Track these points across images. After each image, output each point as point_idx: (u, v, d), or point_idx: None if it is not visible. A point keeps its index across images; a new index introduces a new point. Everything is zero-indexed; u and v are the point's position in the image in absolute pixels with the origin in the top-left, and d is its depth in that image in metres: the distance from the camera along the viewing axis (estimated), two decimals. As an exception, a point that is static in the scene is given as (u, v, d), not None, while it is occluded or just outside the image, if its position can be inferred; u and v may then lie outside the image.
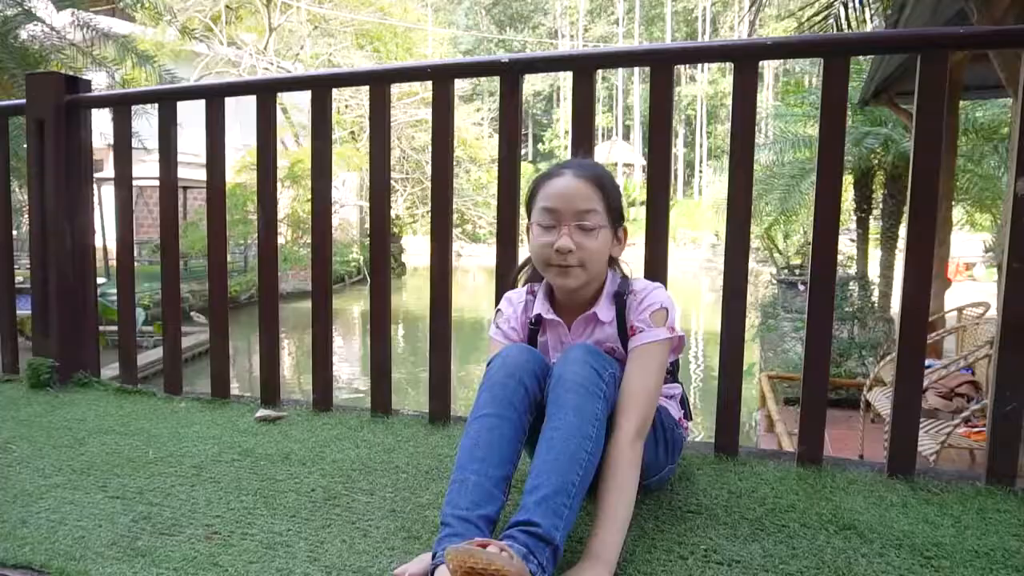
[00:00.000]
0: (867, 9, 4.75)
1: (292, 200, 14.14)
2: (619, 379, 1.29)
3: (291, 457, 1.70)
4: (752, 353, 8.29)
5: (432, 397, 1.98)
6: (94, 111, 2.42)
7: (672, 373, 1.49)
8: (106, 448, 1.77)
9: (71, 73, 2.44)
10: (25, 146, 2.40)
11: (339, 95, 17.46)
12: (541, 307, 1.44)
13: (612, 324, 1.39)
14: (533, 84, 40.02)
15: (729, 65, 1.72)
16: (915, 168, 1.57)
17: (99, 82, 7.55)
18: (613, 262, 1.44)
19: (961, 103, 5.93)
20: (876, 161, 8.29)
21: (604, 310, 1.40)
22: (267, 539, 1.28)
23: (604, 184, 1.36)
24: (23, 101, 2.36)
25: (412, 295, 15.69)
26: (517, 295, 1.51)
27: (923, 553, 1.24)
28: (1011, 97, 1.90)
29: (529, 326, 1.46)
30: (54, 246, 2.32)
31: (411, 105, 20.02)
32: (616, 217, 1.39)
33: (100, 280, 3.01)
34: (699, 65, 35.10)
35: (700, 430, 7.35)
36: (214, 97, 2.18)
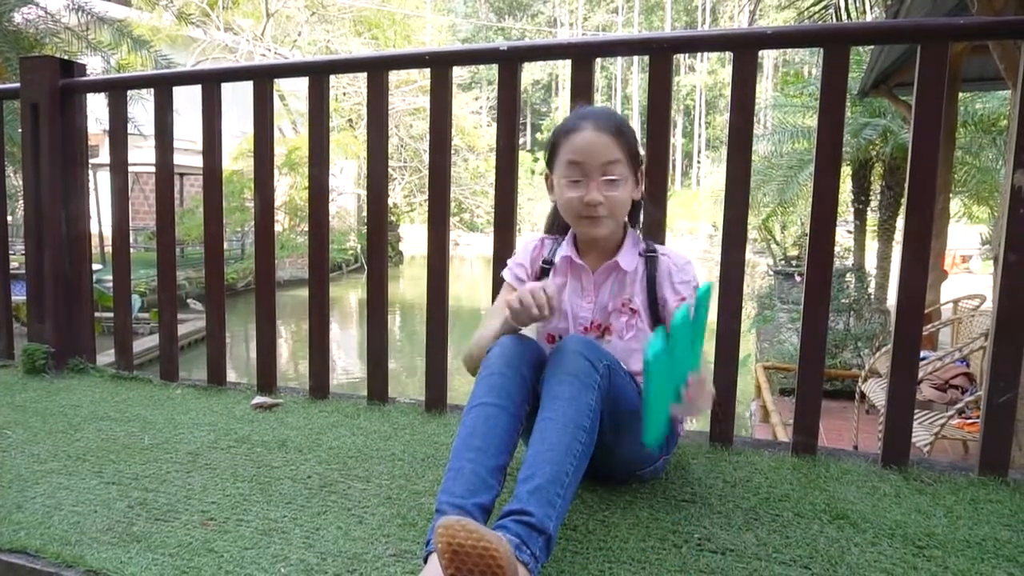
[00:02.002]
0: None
1: (289, 187, 14.08)
2: (615, 369, 1.29)
3: (287, 444, 1.70)
4: (749, 344, 8.31)
5: (428, 385, 1.99)
6: (90, 96, 2.41)
7: None
8: (102, 434, 1.77)
9: (66, 57, 2.42)
10: (20, 131, 2.38)
11: (337, 82, 17.37)
12: (569, 251, 1.48)
13: (636, 275, 1.44)
14: (532, 73, 39.84)
15: (728, 55, 1.71)
16: (913, 159, 1.56)
17: (94, 67, 7.49)
18: (631, 217, 1.52)
19: (960, 94, 5.92)
20: (874, 152, 8.28)
21: (625, 258, 1.45)
22: (263, 525, 1.29)
23: (624, 132, 1.39)
24: (17, 85, 2.34)
25: (409, 284, 15.68)
26: (532, 239, 1.57)
27: (915, 543, 1.25)
28: (1010, 89, 1.90)
29: (542, 266, 1.52)
30: (49, 232, 2.31)
31: (409, 93, 19.91)
32: (636, 162, 1.42)
33: (96, 266, 3.01)
34: (698, 55, 34.99)
35: (695, 420, 7.37)
36: (210, 83, 2.16)
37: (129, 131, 2.36)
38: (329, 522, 1.30)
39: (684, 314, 1.15)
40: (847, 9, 4.67)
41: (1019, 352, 1.54)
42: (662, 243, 1.77)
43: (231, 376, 2.29)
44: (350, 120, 19.81)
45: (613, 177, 1.37)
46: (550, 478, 1.11)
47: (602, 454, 1.27)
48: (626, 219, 1.49)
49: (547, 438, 1.15)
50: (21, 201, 2.35)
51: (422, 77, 17.96)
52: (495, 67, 1.89)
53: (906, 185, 1.59)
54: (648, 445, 1.19)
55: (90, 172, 2.40)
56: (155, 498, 1.40)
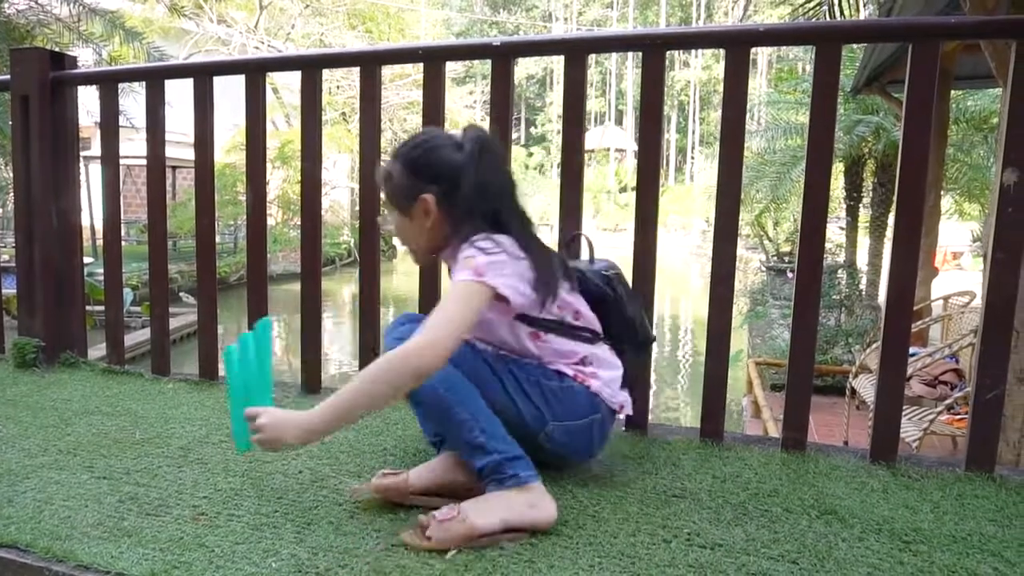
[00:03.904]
0: (861, -3, 4.75)
1: (283, 181, 14.03)
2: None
3: (279, 439, 1.70)
4: (741, 339, 8.35)
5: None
6: (82, 88, 2.39)
7: (591, 339, 1.45)
8: (93, 429, 1.77)
9: (57, 49, 2.41)
10: (11, 123, 2.36)
11: (330, 76, 17.29)
12: None
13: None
14: (526, 67, 39.76)
15: (722, 51, 1.71)
16: (904, 157, 1.57)
17: (86, 59, 7.43)
18: (459, 230, 1.34)
19: (952, 92, 5.94)
20: (867, 149, 8.31)
21: (451, 255, 1.36)
22: (254, 520, 1.29)
23: (387, 175, 1.40)
24: (7, 77, 2.33)
25: (403, 278, 15.66)
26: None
27: (902, 538, 1.26)
28: (1001, 87, 1.91)
29: None
30: (40, 224, 2.30)
31: (403, 87, 19.85)
32: (404, 197, 1.38)
33: (87, 260, 3.00)
34: (692, 51, 34.99)
35: (686, 416, 7.41)
36: (203, 76, 2.15)
37: (121, 124, 2.35)
38: (320, 517, 1.30)
39: (263, 327, 1.40)
40: (840, 7, 4.68)
41: (1006, 349, 1.55)
42: (653, 240, 1.77)
43: (223, 371, 2.29)
44: (343, 113, 19.73)
45: (388, 213, 1.45)
46: (453, 438, 1.33)
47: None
48: (452, 237, 1.36)
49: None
50: (12, 194, 2.33)
51: (416, 71, 17.89)
52: (489, 62, 1.89)
53: (896, 182, 1.60)
54: (239, 450, 1.32)
55: (82, 165, 2.39)
56: (146, 493, 1.40)
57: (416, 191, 1.36)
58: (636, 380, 1.81)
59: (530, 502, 1.24)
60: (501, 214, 1.35)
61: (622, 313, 1.52)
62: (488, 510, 1.22)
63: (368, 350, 2.04)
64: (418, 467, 1.37)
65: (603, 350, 1.46)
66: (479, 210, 1.33)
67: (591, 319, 1.46)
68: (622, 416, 1.49)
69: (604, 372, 1.43)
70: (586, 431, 1.40)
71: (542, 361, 1.40)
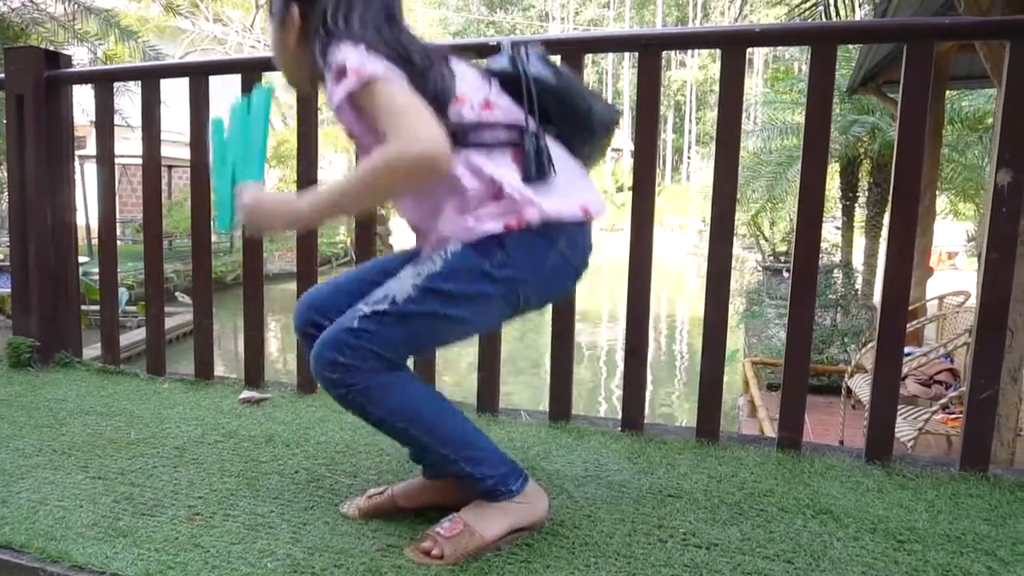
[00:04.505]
0: (856, -3, 4.76)
1: (279, 180, 14.01)
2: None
3: (275, 439, 1.70)
4: (737, 339, 8.36)
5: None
6: (77, 87, 2.38)
7: (517, 141, 1.16)
8: (88, 429, 1.77)
9: (52, 48, 2.40)
10: (5, 122, 2.36)
11: (223, 229, 17.21)
12: None
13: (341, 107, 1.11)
14: (523, 66, 39.64)
15: (718, 51, 1.72)
16: (899, 157, 1.58)
17: (81, 57, 7.41)
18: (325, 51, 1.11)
19: (948, 92, 5.96)
20: (862, 149, 8.33)
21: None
22: (249, 520, 1.29)
23: None
24: (1, 76, 2.32)
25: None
26: None
27: (896, 537, 1.27)
28: (996, 88, 1.91)
29: None
30: (34, 224, 2.29)
31: (399, 86, 19.80)
32: (275, 4, 1.18)
33: (83, 259, 2.99)
34: (689, 51, 35.02)
35: (683, 416, 7.42)
36: (198, 76, 2.15)
37: (116, 123, 2.34)
38: (316, 517, 1.30)
39: (260, 94, 1.22)
40: (836, 7, 4.69)
41: (1000, 349, 1.56)
42: (650, 240, 1.77)
43: (219, 370, 2.28)
44: (340, 113, 19.66)
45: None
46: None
47: None
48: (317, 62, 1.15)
49: None
50: (6, 193, 2.32)
51: (413, 70, 17.84)
52: (485, 61, 1.89)
53: (891, 182, 1.60)
54: (221, 227, 1.18)
55: (77, 163, 2.38)
56: (141, 493, 1.40)
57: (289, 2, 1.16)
58: (632, 380, 1.81)
59: (527, 502, 1.23)
60: (374, 30, 1.11)
61: (571, 100, 1.22)
62: (491, 518, 1.19)
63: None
64: (402, 485, 1.32)
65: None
66: (344, 25, 1.11)
67: (510, 109, 1.17)
68: (594, 216, 1.21)
69: (543, 187, 1.14)
70: (556, 268, 1.19)
71: (467, 234, 1.13)
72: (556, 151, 1.19)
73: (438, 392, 1.26)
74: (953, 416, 3.61)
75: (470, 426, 1.23)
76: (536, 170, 1.14)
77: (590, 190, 1.23)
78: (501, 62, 1.23)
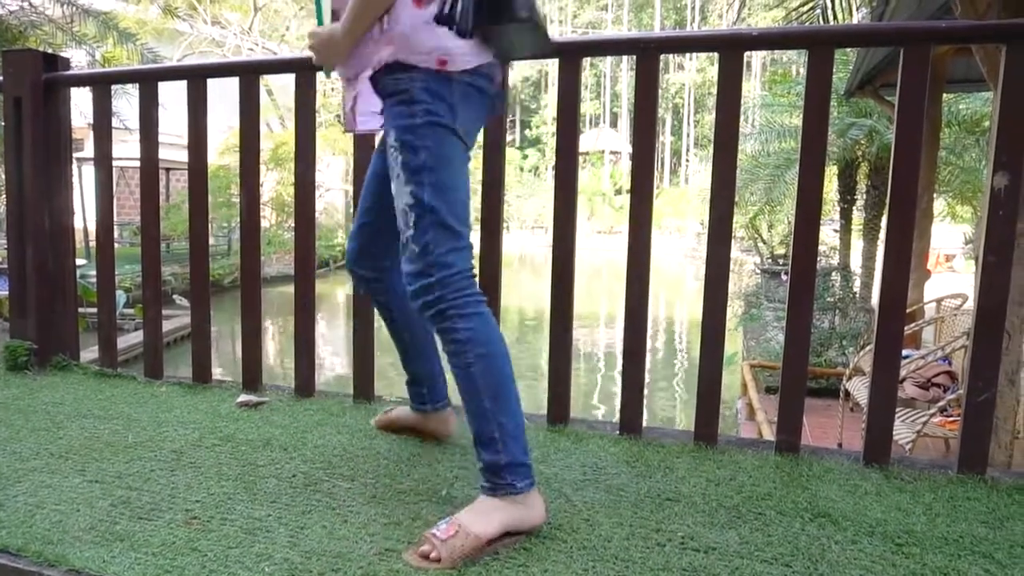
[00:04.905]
0: (853, 1, 4.77)
1: (277, 183, 14.00)
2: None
3: (272, 443, 1.70)
4: (736, 342, 8.37)
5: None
6: (75, 89, 2.38)
7: None
8: (85, 432, 1.76)
9: (50, 50, 2.40)
10: (3, 125, 2.35)
11: (325, 78, 17.23)
12: None
13: None
14: (521, 69, 39.78)
15: (716, 55, 1.72)
16: (896, 160, 1.58)
17: (79, 60, 7.41)
18: None
19: (944, 95, 5.97)
20: (860, 152, 8.34)
21: None
22: (247, 524, 1.28)
23: None
24: (-1, 79, 2.32)
25: (397, 280, 15.63)
26: None
27: (894, 540, 1.27)
28: (992, 91, 1.92)
29: None
30: (32, 226, 2.29)
31: (398, 88, 19.81)
32: None
33: (80, 261, 2.98)
34: (687, 54, 35.08)
35: (681, 419, 7.42)
36: (196, 79, 2.15)
37: (114, 125, 2.34)
38: (314, 521, 1.30)
39: None
40: (834, 10, 4.70)
41: (998, 352, 1.56)
42: (648, 243, 1.78)
43: (216, 373, 2.28)
44: (338, 116, 19.69)
45: None
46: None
47: None
48: None
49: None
50: (4, 195, 2.32)
51: (411, 73, 17.86)
52: None
53: (888, 186, 1.60)
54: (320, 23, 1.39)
55: (75, 166, 2.38)
56: (139, 497, 1.39)
57: None
58: (630, 383, 1.81)
59: (525, 504, 1.24)
60: None
61: None
62: (486, 517, 1.21)
63: (362, 352, 2.04)
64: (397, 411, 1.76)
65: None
66: None
67: None
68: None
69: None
70: (478, 97, 1.31)
71: (407, 82, 1.25)
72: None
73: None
74: (951, 419, 3.61)
75: (519, 405, 1.29)
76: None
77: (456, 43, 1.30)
78: None
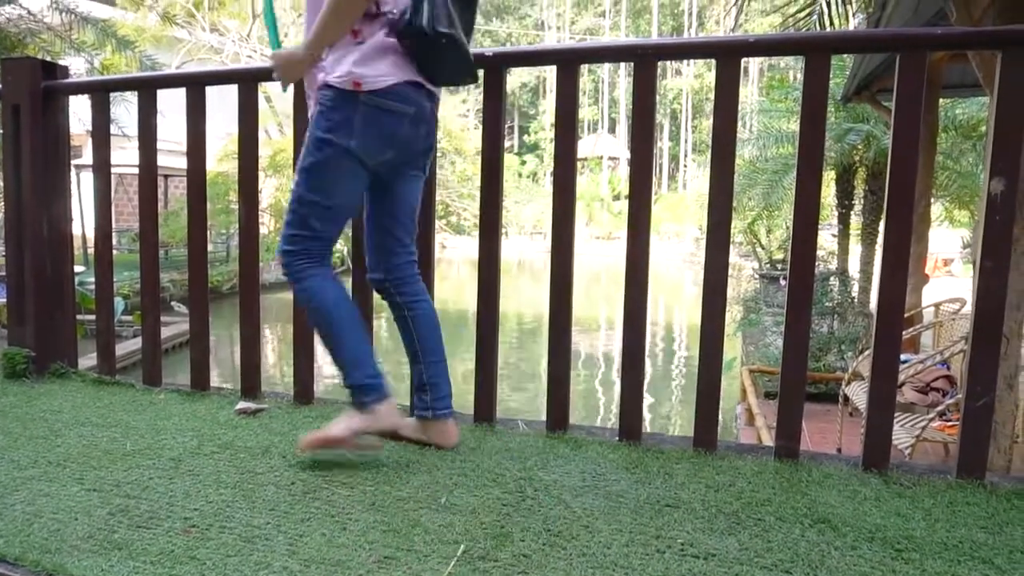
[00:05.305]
0: (850, 7, 4.79)
1: (275, 190, 14.01)
2: None
3: (271, 450, 1.69)
4: (735, 347, 8.37)
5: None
6: (73, 95, 2.38)
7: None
8: (83, 440, 1.76)
9: (48, 58, 2.40)
10: (1, 132, 2.36)
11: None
12: None
13: None
14: (519, 75, 39.89)
15: (713, 60, 1.73)
16: (893, 166, 1.59)
17: (78, 67, 7.42)
18: None
19: (941, 100, 5.99)
20: (858, 157, 8.35)
21: None
22: (246, 532, 1.28)
23: None
24: (-2, 87, 2.32)
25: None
26: None
27: (894, 546, 1.27)
28: (988, 96, 1.92)
29: None
30: (30, 234, 2.29)
31: (396, 95, 19.82)
32: None
33: (79, 268, 2.98)
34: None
35: (679, 425, 7.41)
36: (195, 86, 2.15)
37: (113, 132, 2.34)
38: (313, 529, 1.30)
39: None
40: (830, 17, 4.72)
41: (996, 356, 1.56)
42: (646, 248, 1.78)
43: (215, 380, 2.28)
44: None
45: None
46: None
47: None
48: None
49: None
50: (1, 202, 2.32)
51: (409, 79, 17.87)
52: (481, 71, 1.89)
53: (886, 191, 1.61)
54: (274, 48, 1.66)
55: (73, 173, 2.38)
56: (137, 505, 1.39)
57: None
58: (630, 389, 1.81)
59: (373, 415, 1.59)
60: None
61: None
62: (341, 423, 1.59)
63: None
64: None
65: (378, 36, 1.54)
66: None
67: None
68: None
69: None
70: (388, 117, 1.56)
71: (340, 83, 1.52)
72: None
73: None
74: (950, 423, 3.61)
75: (360, 342, 1.64)
76: None
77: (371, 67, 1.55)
78: None
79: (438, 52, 1.53)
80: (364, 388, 1.60)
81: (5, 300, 2.39)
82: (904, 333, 1.70)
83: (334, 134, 1.53)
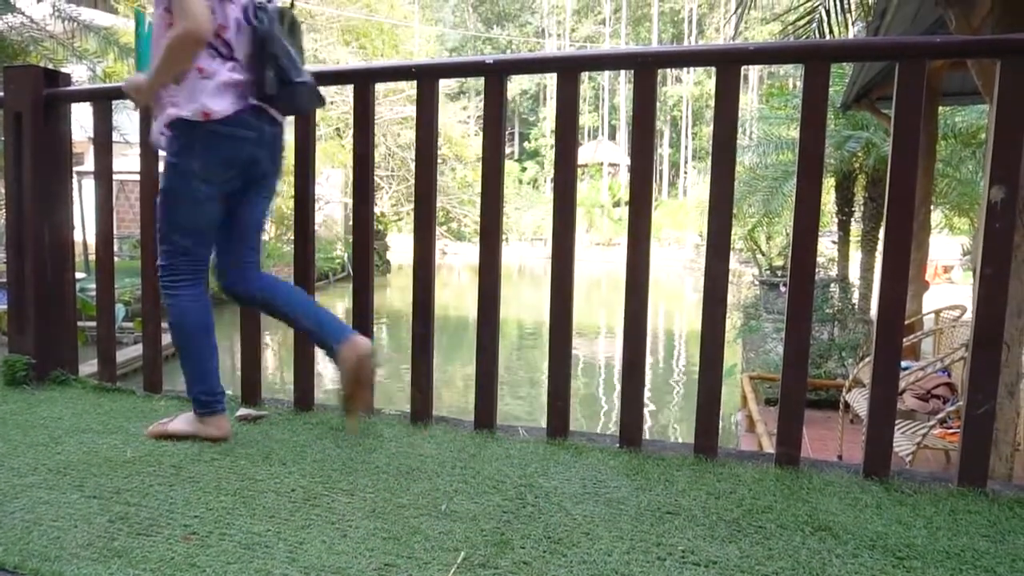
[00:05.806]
0: (849, 15, 4.80)
1: (276, 196, 14.02)
2: None
3: (271, 457, 1.69)
4: (735, 354, 8.36)
5: (414, 397, 1.98)
6: (76, 103, 2.39)
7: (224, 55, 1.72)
8: (83, 447, 1.76)
9: (50, 66, 2.41)
10: (3, 139, 2.36)
11: (324, 91, 17.32)
12: None
13: None
14: (520, 82, 40.01)
15: (713, 68, 1.73)
16: (893, 173, 1.59)
17: (80, 75, 7.44)
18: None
19: (941, 108, 6.01)
20: (857, 164, 8.37)
21: None
22: (246, 540, 1.28)
23: None
24: (0, 94, 2.33)
25: (396, 293, 15.64)
26: None
27: (895, 554, 1.26)
28: (988, 104, 1.93)
29: None
30: (31, 240, 2.29)
31: (397, 102, 19.94)
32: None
33: (80, 275, 2.98)
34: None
35: (680, 432, 7.40)
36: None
37: (114, 139, 2.35)
38: (313, 536, 1.29)
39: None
40: (830, 25, 4.74)
41: (996, 364, 1.56)
42: (646, 255, 1.78)
43: (215, 387, 2.27)
44: (337, 129, 19.79)
45: None
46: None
47: None
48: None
49: None
50: (4, 209, 2.33)
51: (410, 86, 17.96)
52: (483, 77, 1.90)
53: (886, 198, 1.61)
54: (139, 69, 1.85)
55: (75, 179, 2.39)
56: (137, 512, 1.39)
57: None
58: (630, 396, 1.81)
59: (205, 424, 1.80)
60: None
61: (263, 47, 1.69)
62: (179, 423, 1.83)
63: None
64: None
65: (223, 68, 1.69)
66: None
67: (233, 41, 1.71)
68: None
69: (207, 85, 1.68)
70: (230, 141, 1.72)
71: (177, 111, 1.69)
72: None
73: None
74: (951, 431, 3.61)
75: (208, 360, 1.85)
76: None
77: (223, 102, 1.71)
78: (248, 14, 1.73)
79: (292, 94, 1.75)
80: (199, 402, 1.81)
81: (6, 307, 2.38)
82: (904, 340, 1.70)
83: (180, 158, 1.71)
